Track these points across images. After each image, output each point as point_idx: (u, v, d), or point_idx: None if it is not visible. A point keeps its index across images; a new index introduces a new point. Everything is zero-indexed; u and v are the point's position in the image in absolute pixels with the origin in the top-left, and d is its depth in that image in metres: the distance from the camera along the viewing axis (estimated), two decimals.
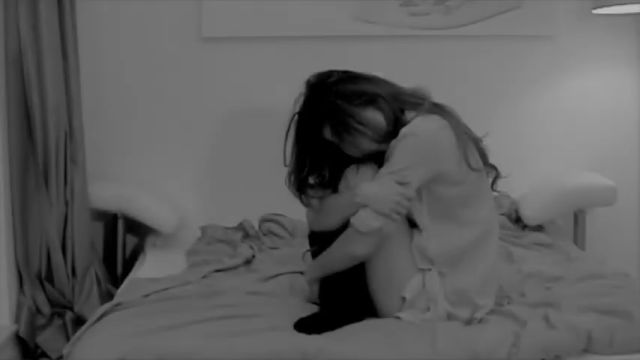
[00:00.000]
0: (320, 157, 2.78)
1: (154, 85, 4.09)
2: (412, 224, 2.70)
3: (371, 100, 2.68)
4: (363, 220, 2.56)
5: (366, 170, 2.70)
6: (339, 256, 2.66)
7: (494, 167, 2.80)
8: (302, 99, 2.79)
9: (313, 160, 2.80)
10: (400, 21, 4.03)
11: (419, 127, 2.60)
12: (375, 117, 2.67)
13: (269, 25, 4.02)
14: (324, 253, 2.73)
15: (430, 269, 2.65)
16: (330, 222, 2.70)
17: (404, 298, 2.63)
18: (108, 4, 3.99)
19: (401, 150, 2.58)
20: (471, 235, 2.67)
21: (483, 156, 2.75)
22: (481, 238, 2.69)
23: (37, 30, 3.55)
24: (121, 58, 4.05)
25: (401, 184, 2.54)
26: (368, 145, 2.68)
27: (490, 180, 2.81)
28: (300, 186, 2.83)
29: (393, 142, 2.61)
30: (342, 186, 2.73)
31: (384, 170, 2.60)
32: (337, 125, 2.68)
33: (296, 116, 2.80)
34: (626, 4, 3.87)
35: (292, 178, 2.84)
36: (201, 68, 4.09)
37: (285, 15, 4.01)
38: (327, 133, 2.72)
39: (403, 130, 2.60)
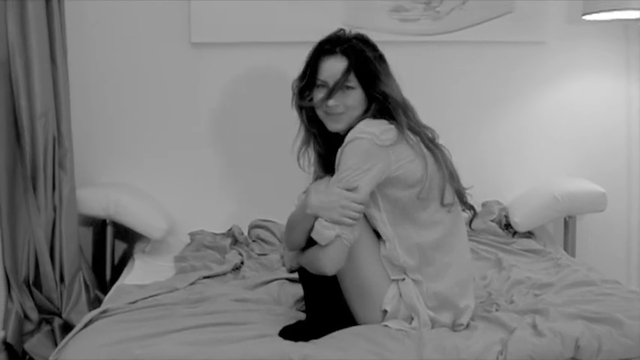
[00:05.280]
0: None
1: (143, 90, 4.08)
2: (380, 236, 2.68)
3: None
4: (319, 232, 2.51)
5: (321, 182, 2.70)
6: (312, 269, 2.60)
7: (472, 207, 2.81)
8: None
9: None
10: (390, 27, 4.03)
11: (362, 130, 2.58)
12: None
13: (258, 30, 4.02)
14: (301, 257, 2.67)
15: (404, 279, 2.64)
16: (296, 238, 2.64)
17: (385, 311, 2.62)
18: (97, 10, 3.98)
19: (346, 156, 2.57)
20: (433, 234, 2.65)
21: (460, 194, 2.75)
22: (443, 238, 2.67)
23: (25, 35, 3.54)
24: (109, 64, 4.04)
25: (349, 189, 2.52)
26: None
27: (468, 219, 2.84)
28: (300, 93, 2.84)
29: (339, 149, 2.61)
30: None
31: (333, 180, 2.58)
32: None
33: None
34: (615, 10, 3.87)
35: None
36: (191, 74, 4.08)
37: (274, 21, 4.01)
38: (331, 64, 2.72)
39: (347, 137, 2.59)
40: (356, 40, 2.75)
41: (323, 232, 2.50)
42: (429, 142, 2.68)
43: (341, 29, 2.80)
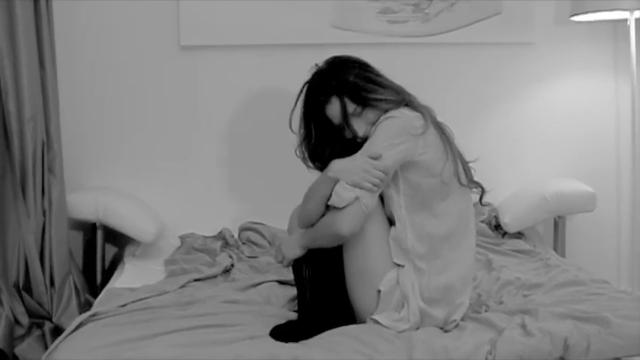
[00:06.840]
0: (323, 131, 2.83)
1: (133, 93, 4.08)
2: (391, 223, 2.72)
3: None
4: (339, 194, 2.57)
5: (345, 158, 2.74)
6: (326, 237, 2.65)
7: (479, 184, 2.84)
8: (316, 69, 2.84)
9: (318, 133, 2.85)
10: (379, 29, 4.04)
11: (399, 110, 2.67)
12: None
13: (247, 33, 4.02)
14: (311, 230, 2.71)
15: (404, 266, 2.66)
16: (312, 209, 2.68)
17: (379, 291, 2.65)
18: (86, 14, 3.98)
19: (376, 132, 2.65)
20: (445, 226, 2.69)
21: (467, 172, 2.80)
22: (455, 231, 2.71)
23: (13, 39, 3.53)
24: (99, 68, 4.04)
25: (373, 158, 2.58)
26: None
27: (478, 197, 2.87)
28: (311, 155, 2.88)
29: (372, 128, 2.68)
30: None
31: (360, 150, 2.64)
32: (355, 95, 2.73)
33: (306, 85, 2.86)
34: (603, 10, 3.88)
35: (302, 148, 2.89)
36: (180, 77, 4.09)
37: (263, 23, 4.01)
38: (331, 109, 2.75)
39: (382, 116, 2.67)
40: (331, 70, 2.79)
41: (342, 193, 2.56)
42: (438, 125, 2.75)
43: (314, 66, 2.85)
